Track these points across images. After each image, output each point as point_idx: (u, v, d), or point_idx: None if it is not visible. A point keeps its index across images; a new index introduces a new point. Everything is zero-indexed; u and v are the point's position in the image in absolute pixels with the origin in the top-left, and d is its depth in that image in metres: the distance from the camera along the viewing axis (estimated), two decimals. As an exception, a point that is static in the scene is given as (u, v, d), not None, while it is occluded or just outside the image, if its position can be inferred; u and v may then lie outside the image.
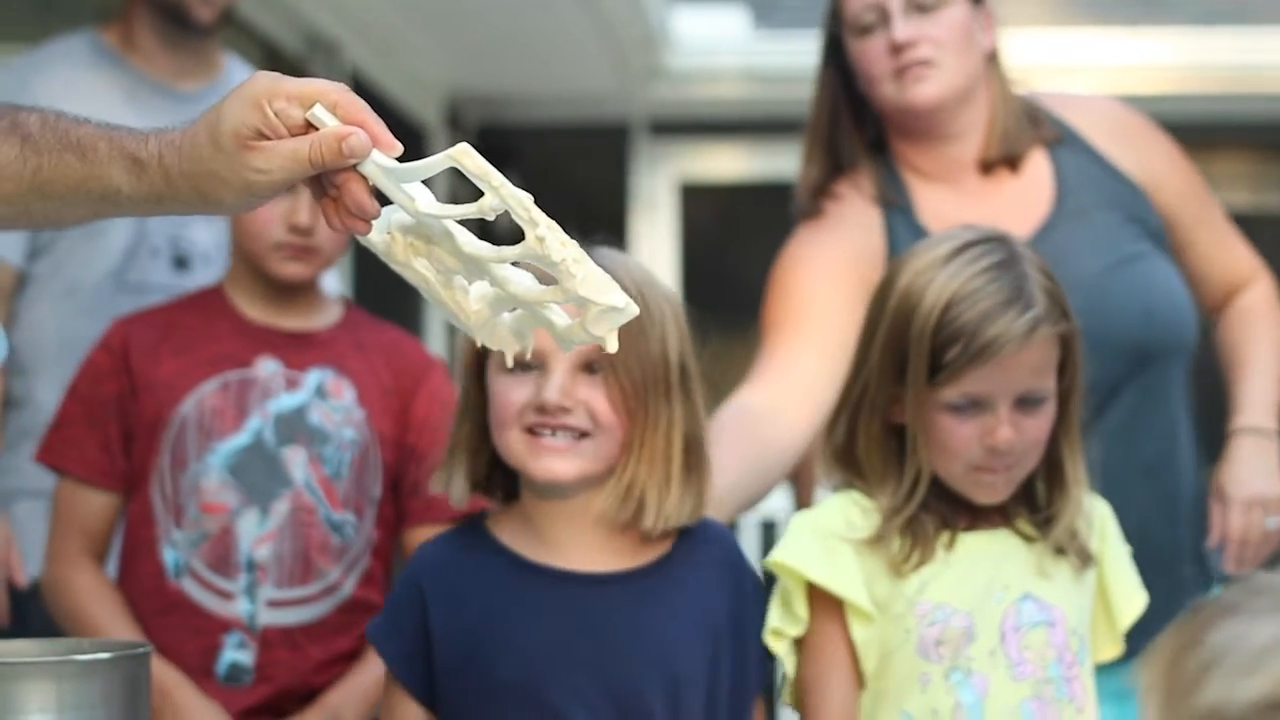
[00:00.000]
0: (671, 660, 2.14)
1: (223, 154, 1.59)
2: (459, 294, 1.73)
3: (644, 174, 7.46)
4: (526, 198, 1.63)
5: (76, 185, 1.64)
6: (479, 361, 2.19)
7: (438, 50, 6.33)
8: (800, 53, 7.27)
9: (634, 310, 1.69)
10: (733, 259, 6.89)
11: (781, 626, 2.25)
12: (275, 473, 2.66)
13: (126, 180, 1.62)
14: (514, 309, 1.75)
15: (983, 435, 2.22)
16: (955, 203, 2.75)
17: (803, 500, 4.88)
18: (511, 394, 2.14)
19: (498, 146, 7.08)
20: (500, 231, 1.70)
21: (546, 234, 1.64)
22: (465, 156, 1.61)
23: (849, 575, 2.23)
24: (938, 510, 2.27)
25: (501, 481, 2.23)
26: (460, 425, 2.22)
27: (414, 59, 6.28)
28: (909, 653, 2.22)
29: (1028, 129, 2.79)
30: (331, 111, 1.61)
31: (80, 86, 3.21)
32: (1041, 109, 2.83)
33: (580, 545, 2.18)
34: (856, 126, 2.84)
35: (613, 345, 1.71)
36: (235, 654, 2.65)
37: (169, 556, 2.66)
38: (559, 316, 1.72)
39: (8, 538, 3.14)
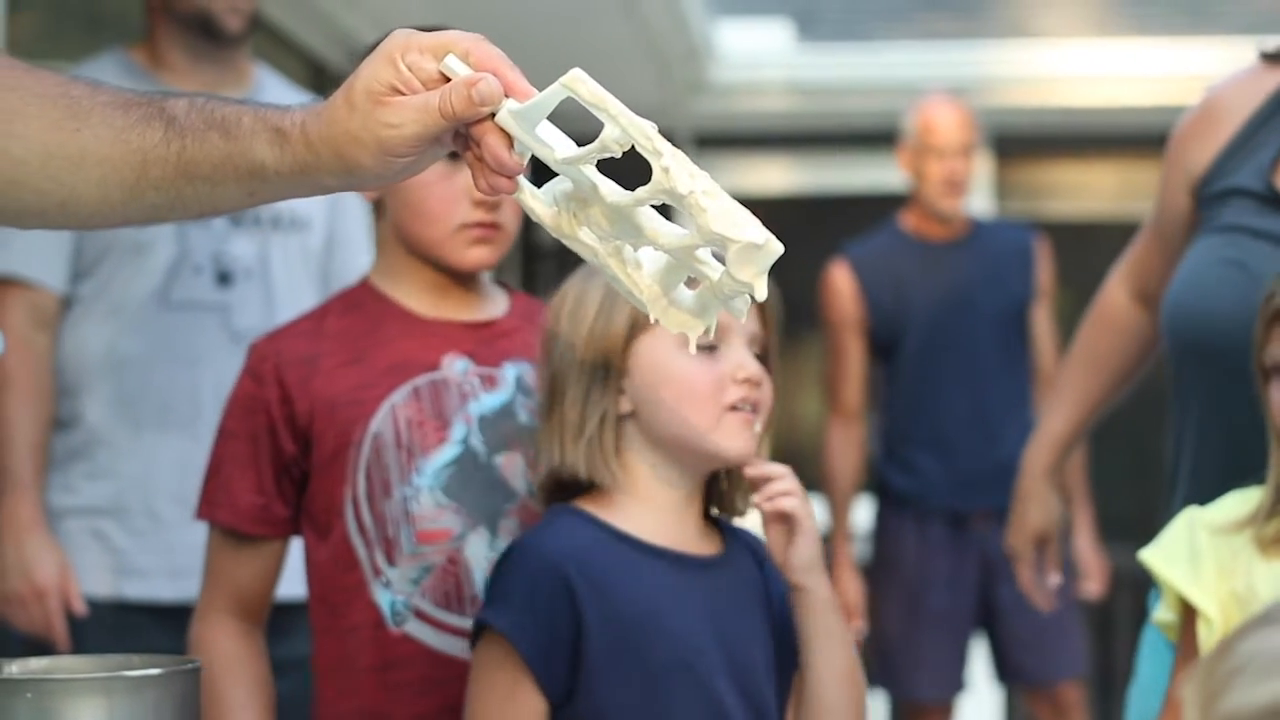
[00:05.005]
0: (764, 641, 2.18)
1: (357, 112, 1.56)
2: (631, 268, 1.62)
3: (688, 187, 7.45)
4: (650, 126, 1.53)
5: (222, 162, 1.61)
6: (628, 334, 2.14)
7: (482, 65, 6.35)
8: (844, 65, 7.36)
9: (777, 248, 1.54)
10: (777, 272, 6.87)
11: (1163, 617, 2.33)
12: (495, 485, 2.29)
13: (270, 153, 1.59)
14: (689, 286, 1.63)
15: None
16: None
17: (837, 513, 4.86)
18: (700, 370, 2.12)
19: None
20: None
21: (671, 163, 1.52)
22: (579, 84, 1.53)
23: (1202, 576, 2.26)
24: None
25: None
26: (598, 401, 2.16)
27: (458, 74, 6.30)
28: None
29: None
30: (464, 61, 1.57)
31: None
32: None
33: (678, 530, 2.18)
34: None
35: (761, 292, 1.56)
36: None
37: (384, 600, 2.25)
38: (713, 269, 1.58)
39: (65, 565, 3.15)
